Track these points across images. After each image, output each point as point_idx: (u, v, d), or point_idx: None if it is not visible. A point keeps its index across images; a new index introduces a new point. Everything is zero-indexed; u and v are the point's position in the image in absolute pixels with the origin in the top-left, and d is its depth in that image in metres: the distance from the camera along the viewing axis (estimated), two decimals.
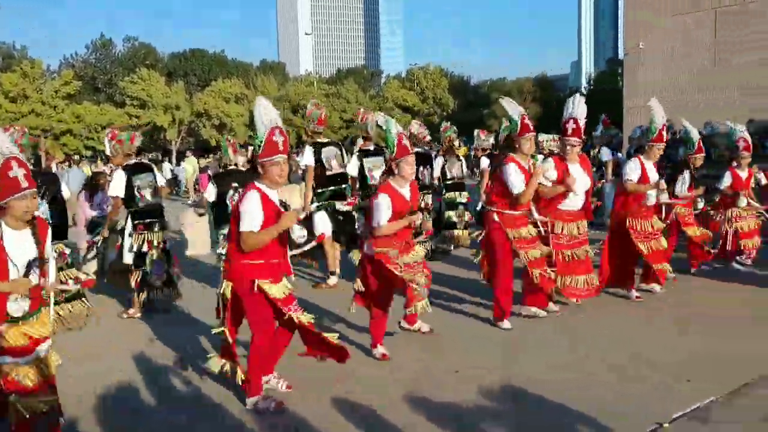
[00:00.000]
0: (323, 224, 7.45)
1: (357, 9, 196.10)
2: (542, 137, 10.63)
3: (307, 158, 7.48)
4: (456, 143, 11.82)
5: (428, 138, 9.61)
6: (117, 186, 6.40)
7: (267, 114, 4.05)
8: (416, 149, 7.83)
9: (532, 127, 5.61)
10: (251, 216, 3.92)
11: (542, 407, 4.02)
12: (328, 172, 7.47)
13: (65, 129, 48.13)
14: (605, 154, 11.08)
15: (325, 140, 7.69)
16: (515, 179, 5.45)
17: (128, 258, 6.48)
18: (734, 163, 7.56)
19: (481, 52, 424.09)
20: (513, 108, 5.70)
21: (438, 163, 9.36)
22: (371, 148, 7.89)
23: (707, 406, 3.89)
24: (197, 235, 11.02)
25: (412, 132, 8.96)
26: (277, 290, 4.05)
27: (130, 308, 6.64)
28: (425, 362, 4.92)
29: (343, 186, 7.60)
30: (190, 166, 24.45)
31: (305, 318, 4.14)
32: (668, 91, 23.72)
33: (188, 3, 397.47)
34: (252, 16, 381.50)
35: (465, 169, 9.79)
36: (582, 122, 5.89)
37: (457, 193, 9.47)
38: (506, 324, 5.64)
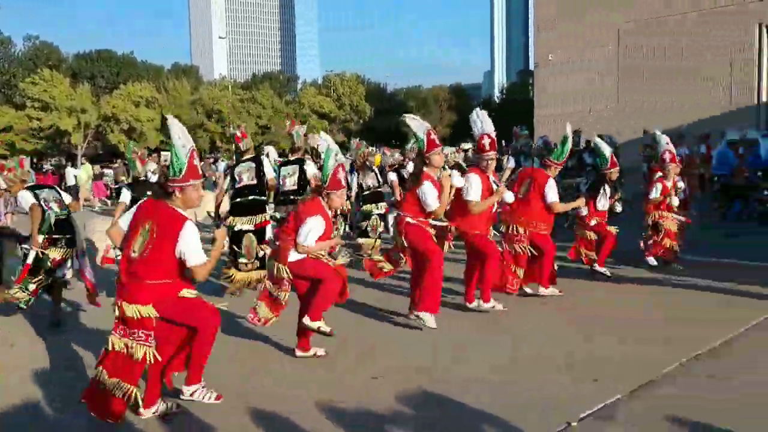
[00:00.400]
0: None
1: (273, 14, 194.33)
2: (446, 150, 10.90)
3: (225, 182, 7.63)
4: (373, 150, 11.93)
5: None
6: (28, 199, 6.32)
7: (184, 135, 3.96)
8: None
9: (438, 142, 5.78)
10: (198, 248, 3.88)
11: (461, 411, 4.05)
12: (236, 185, 7.44)
13: None
14: (511, 161, 11.49)
15: (246, 157, 7.59)
16: (431, 197, 5.64)
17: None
18: (660, 174, 7.98)
19: (397, 60, 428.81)
20: (418, 125, 5.80)
21: (353, 180, 9.46)
22: (292, 158, 7.94)
23: (613, 405, 4.04)
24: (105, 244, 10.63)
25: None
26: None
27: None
28: (345, 367, 4.88)
29: (250, 197, 7.42)
30: (84, 174, 23.19)
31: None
32: (576, 101, 24.79)
33: (95, 2, 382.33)
34: (163, 18, 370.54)
35: (379, 178, 9.91)
36: (494, 135, 6.09)
37: (374, 204, 9.58)
38: (432, 322, 5.63)
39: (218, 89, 63.76)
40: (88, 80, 58.49)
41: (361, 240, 9.59)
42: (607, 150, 7.71)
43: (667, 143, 8.01)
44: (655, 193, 7.91)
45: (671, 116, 21.88)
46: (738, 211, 10.06)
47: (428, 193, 5.64)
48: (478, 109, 6.44)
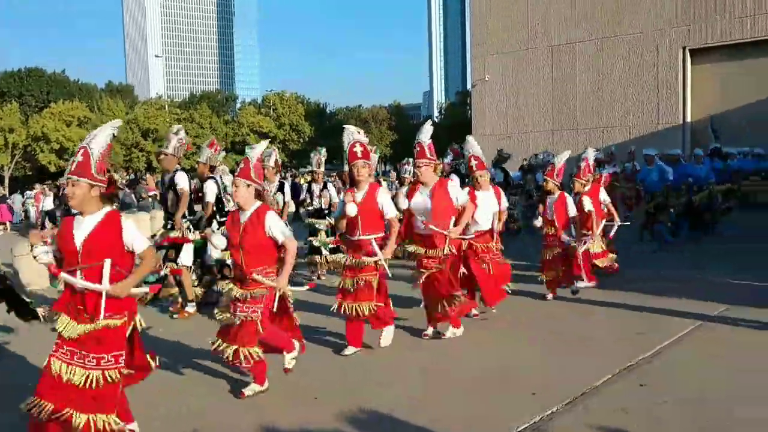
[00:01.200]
0: (186, 256, 7.42)
1: (210, 33, 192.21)
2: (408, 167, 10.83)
3: (183, 183, 7.33)
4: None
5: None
6: None
7: (91, 137, 3.76)
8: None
9: (359, 155, 5.59)
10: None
11: (399, 430, 4.06)
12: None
13: None
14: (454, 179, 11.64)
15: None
16: (338, 206, 5.77)
17: None
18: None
19: (337, 81, 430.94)
20: (347, 137, 5.72)
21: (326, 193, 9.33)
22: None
23: (549, 417, 4.13)
24: (34, 267, 10.22)
25: (276, 161, 9.11)
26: (62, 325, 3.62)
27: None
28: (285, 389, 4.82)
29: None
30: None
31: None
32: (512, 121, 25.40)
33: (24, 18, 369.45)
34: (97, 36, 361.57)
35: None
36: (426, 144, 6.00)
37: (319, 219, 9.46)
38: (348, 350, 5.70)
39: (154, 108, 62.50)
40: (17, 99, 56.42)
41: (310, 258, 9.52)
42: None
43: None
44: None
45: (603, 136, 22.71)
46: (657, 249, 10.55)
47: (341, 202, 5.75)
48: (429, 122, 6.51)
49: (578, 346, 5.70)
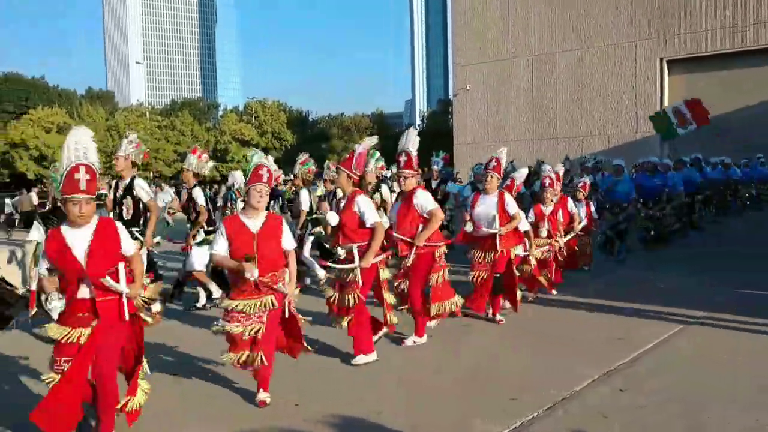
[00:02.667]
0: (198, 262, 7.70)
1: (192, 39, 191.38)
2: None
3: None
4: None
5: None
6: None
7: (80, 147, 3.77)
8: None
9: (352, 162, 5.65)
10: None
11: None
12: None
13: None
14: (450, 187, 11.85)
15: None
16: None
17: None
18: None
19: (320, 89, 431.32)
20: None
21: (304, 197, 8.96)
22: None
23: (529, 422, 4.14)
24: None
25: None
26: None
27: None
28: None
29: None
30: None
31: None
32: (492, 129, 25.57)
33: (2, 22, 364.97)
34: (77, 42, 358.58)
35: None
36: (414, 154, 5.99)
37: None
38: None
39: (135, 115, 62.12)
40: None
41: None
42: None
43: (547, 170, 8.09)
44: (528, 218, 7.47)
45: (582, 145, 22.95)
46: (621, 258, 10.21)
47: None
48: (411, 128, 6.44)
49: (560, 350, 5.72)
